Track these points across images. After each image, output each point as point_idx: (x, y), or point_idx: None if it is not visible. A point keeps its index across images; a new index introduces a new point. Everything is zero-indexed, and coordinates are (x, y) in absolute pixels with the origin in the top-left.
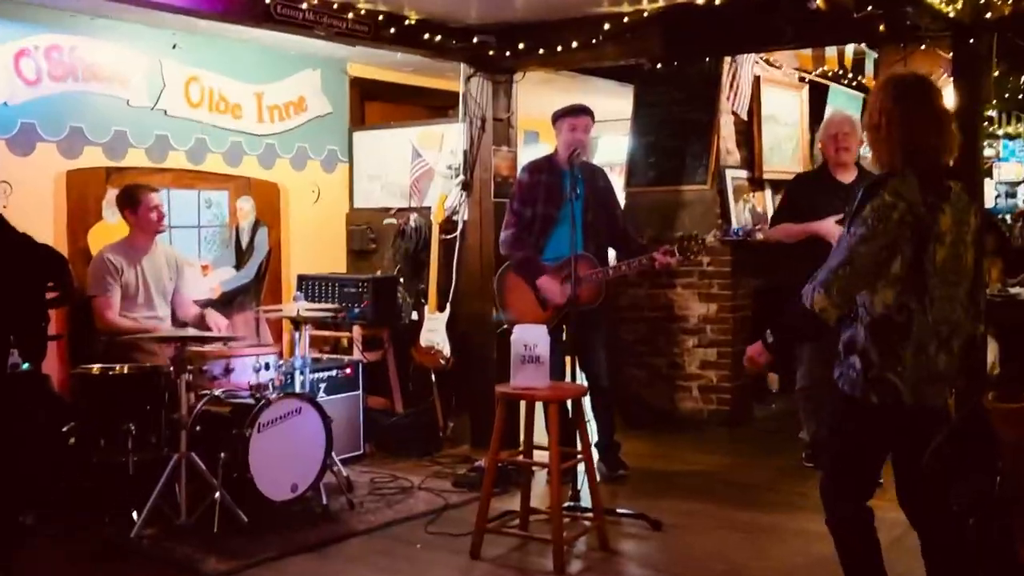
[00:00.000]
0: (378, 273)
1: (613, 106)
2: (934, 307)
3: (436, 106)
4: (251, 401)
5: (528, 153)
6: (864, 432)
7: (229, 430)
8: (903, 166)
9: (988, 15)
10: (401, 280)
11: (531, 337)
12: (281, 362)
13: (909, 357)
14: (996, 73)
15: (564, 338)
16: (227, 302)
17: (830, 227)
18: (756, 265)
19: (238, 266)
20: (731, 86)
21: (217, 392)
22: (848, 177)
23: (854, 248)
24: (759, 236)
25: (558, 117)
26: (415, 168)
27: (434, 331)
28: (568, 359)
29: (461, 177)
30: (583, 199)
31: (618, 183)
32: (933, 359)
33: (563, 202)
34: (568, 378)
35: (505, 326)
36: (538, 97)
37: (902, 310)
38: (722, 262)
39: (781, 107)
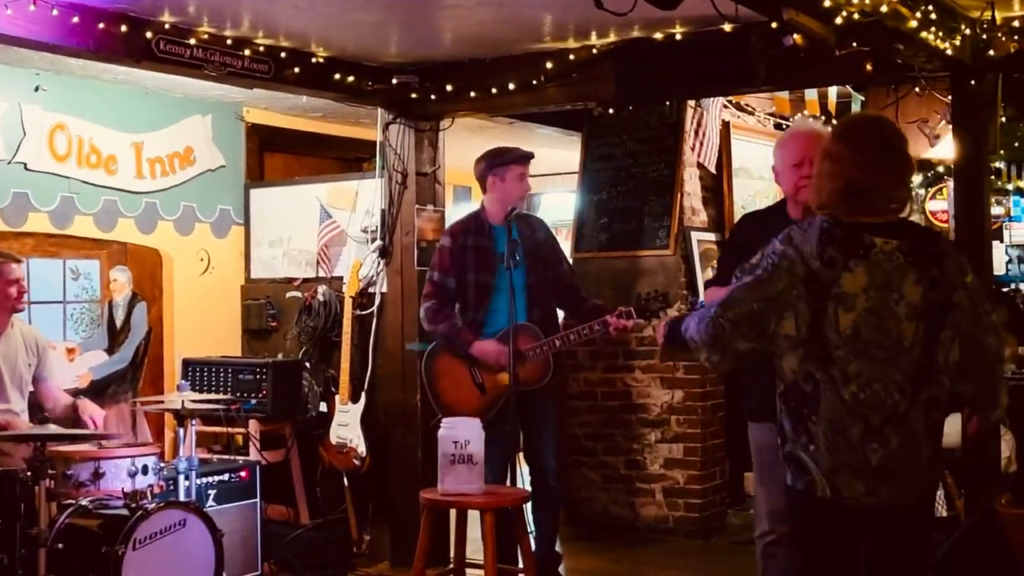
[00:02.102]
0: (279, 357)
1: (557, 157)
2: (851, 384)
3: (349, 158)
4: (125, 512)
5: (458, 213)
6: (814, 537)
7: (98, 548)
8: (817, 210)
9: (991, 53)
10: (307, 365)
11: (463, 432)
12: (162, 464)
13: (821, 436)
14: (1002, 119)
15: (507, 428)
16: (98, 392)
17: None
18: None
19: (111, 349)
20: (696, 135)
21: (84, 501)
22: None
23: (733, 293)
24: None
25: (497, 165)
26: (324, 231)
27: (347, 426)
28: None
29: (378, 242)
30: (522, 261)
31: (564, 248)
32: (858, 448)
33: (498, 267)
34: (510, 480)
35: (439, 417)
36: (469, 148)
37: (808, 379)
38: None
39: (754, 158)
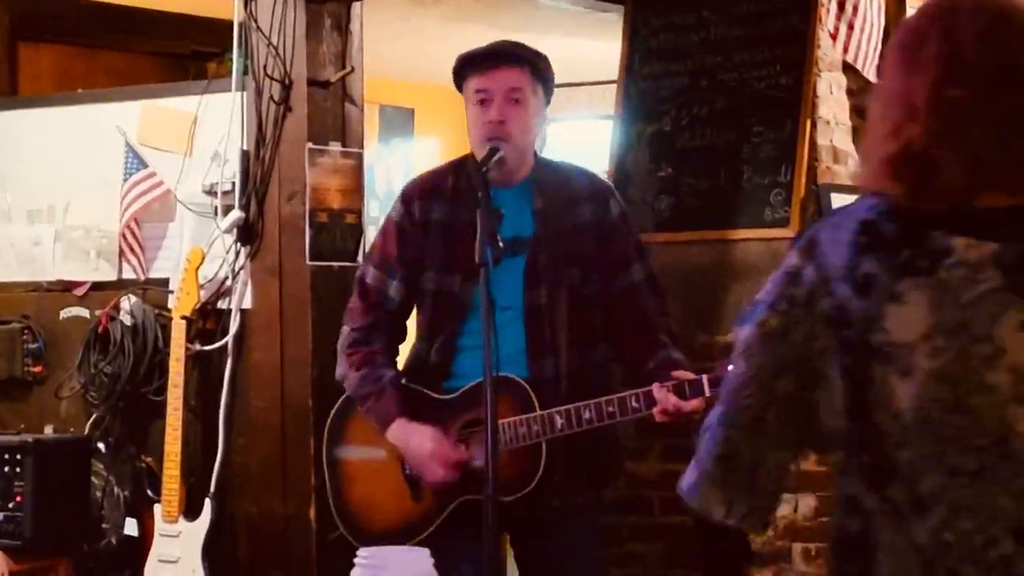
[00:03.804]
0: (47, 431)
1: (577, 54)
2: (927, 515)
3: (180, 53)
4: None
5: (391, 158)
6: None
7: None
8: (867, 184)
9: None
10: (101, 447)
11: (397, 571)
12: None
13: None
14: None
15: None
16: None
17: None
18: None
19: None
20: (842, 12)
21: None
22: None
23: (730, 372)
24: None
25: (455, 78)
26: (133, 194)
27: (177, 560)
28: None
29: (236, 214)
30: (529, 247)
31: None
32: None
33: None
34: None
35: (338, 533)
36: (409, 36)
37: (852, 509)
38: None
39: None
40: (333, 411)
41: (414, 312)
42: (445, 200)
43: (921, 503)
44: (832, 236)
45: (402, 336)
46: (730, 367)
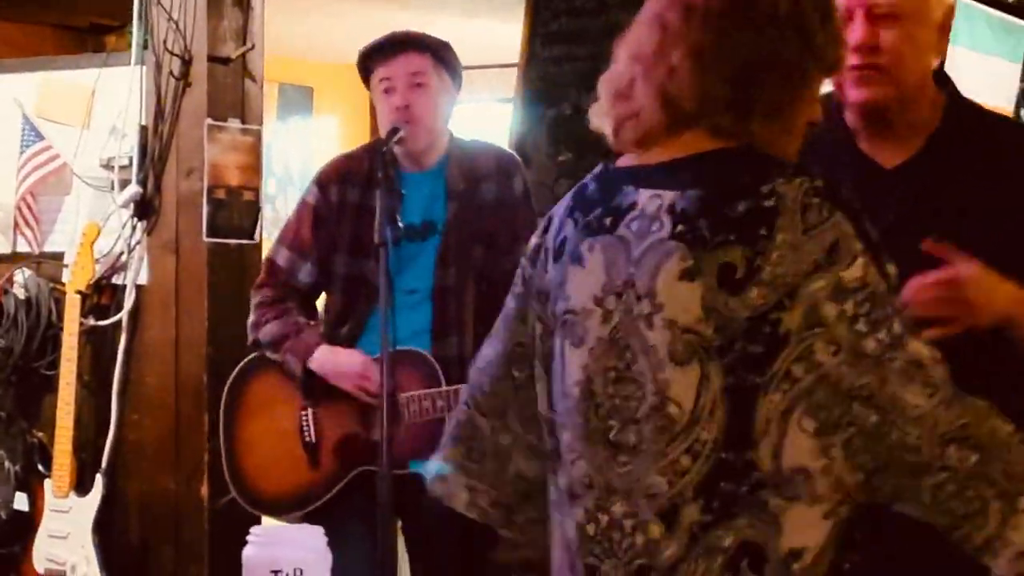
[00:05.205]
0: None
1: (478, 36)
2: (579, 501)
3: (78, 27)
4: None
5: (290, 131)
6: None
7: None
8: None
9: None
10: None
11: (286, 553)
12: None
13: None
14: None
15: (365, 545)
16: None
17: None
18: None
19: None
20: None
21: None
22: (892, 151)
23: (476, 360)
24: None
25: (364, 65)
26: (29, 166)
27: (66, 537)
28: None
29: (133, 188)
30: (442, 231)
31: None
32: None
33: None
34: None
35: (228, 497)
36: (315, 16)
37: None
38: None
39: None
40: (231, 378)
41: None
42: (360, 184)
43: (573, 491)
44: (559, 206)
45: (312, 317)
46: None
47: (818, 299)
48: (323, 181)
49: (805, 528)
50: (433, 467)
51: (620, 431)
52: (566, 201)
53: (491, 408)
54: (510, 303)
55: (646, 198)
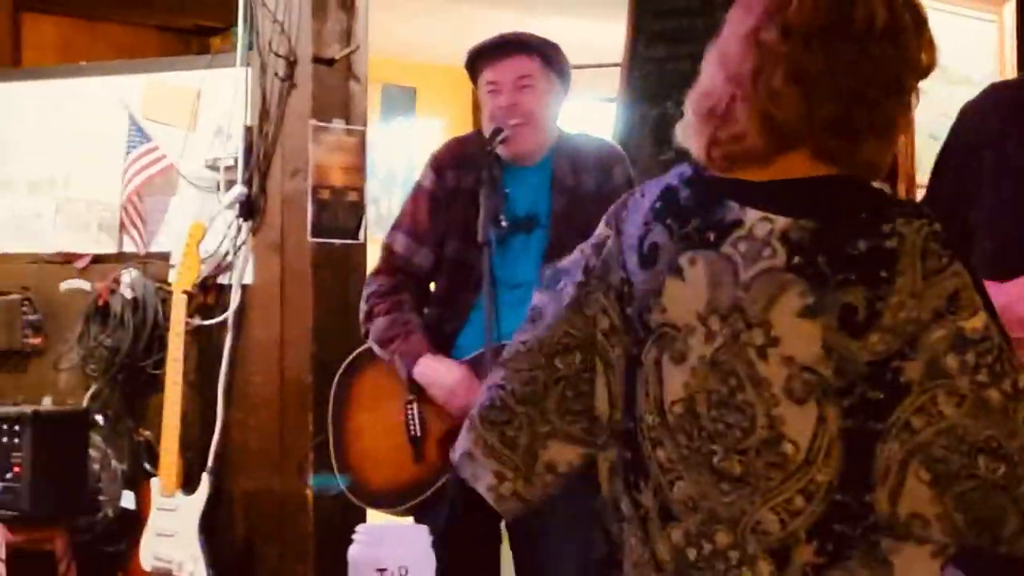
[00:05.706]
0: (45, 403)
1: (581, 36)
2: (675, 523)
3: (184, 28)
4: None
5: (391, 134)
6: None
7: None
8: (681, 141)
9: None
10: (99, 419)
11: (392, 552)
12: None
13: None
14: None
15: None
16: None
17: None
18: None
19: None
20: None
21: None
22: None
23: (511, 345)
24: None
25: (472, 65)
26: (135, 167)
27: (173, 536)
28: None
29: (238, 189)
30: (549, 224)
31: None
32: None
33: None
34: None
35: (345, 490)
36: (415, 14)
37: (615, 518)
38: None
39: (958, 49)
40: (340, 370)
41: None
42: (475, 168)
43: (670, 512)
44: (637, 203)
45: (426, 299)
46: (515, 333)
47: (939, 350)
48: (439, 165)
49: (913, 566)
50: (462, 448)
51: (724, 458)
52: (649, 201)
53: (527, 396)
54: (568, 290)
55: (754, 219)
